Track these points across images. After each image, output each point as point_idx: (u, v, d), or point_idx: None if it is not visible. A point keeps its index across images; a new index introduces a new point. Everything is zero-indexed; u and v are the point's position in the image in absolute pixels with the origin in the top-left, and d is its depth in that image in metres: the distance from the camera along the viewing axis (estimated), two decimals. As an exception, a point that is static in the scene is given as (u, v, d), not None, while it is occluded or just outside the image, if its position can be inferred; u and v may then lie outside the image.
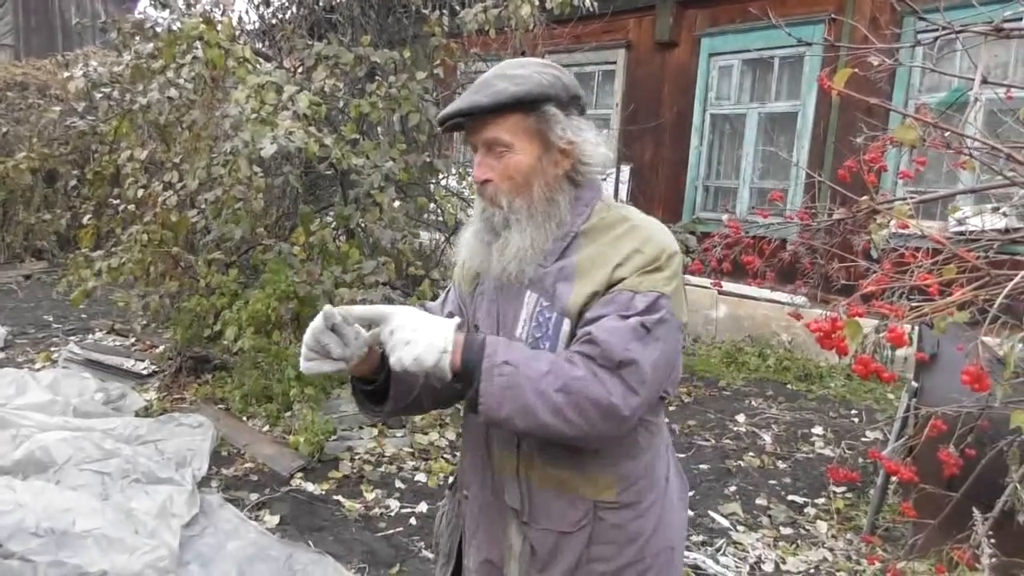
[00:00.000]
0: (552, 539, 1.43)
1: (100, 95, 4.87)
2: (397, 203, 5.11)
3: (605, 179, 1.63)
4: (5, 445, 3.72)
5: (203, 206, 4.56)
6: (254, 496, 3.78)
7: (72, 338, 6.38)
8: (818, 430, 5.04)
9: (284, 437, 4.39)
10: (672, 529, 1.51)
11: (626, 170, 8.32)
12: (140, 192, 4.79)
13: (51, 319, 7.25)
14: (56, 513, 3.10)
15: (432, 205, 5.59)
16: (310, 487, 3.92)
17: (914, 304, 1.62)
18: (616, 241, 1.39)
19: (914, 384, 3.44)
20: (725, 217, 3.61)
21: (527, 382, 1.26)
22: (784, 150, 7.07)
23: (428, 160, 5.09)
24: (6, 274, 9.04)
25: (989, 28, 1.84)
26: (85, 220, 5.28)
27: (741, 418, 5.26)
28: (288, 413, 4.57)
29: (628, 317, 1.30)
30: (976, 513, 2.26)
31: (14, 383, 4.59)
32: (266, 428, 4.54)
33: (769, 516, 3.83)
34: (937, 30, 2.06)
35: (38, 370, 5.32)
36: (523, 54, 7.46)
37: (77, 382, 4.76)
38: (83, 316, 7.23)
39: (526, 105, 1.39)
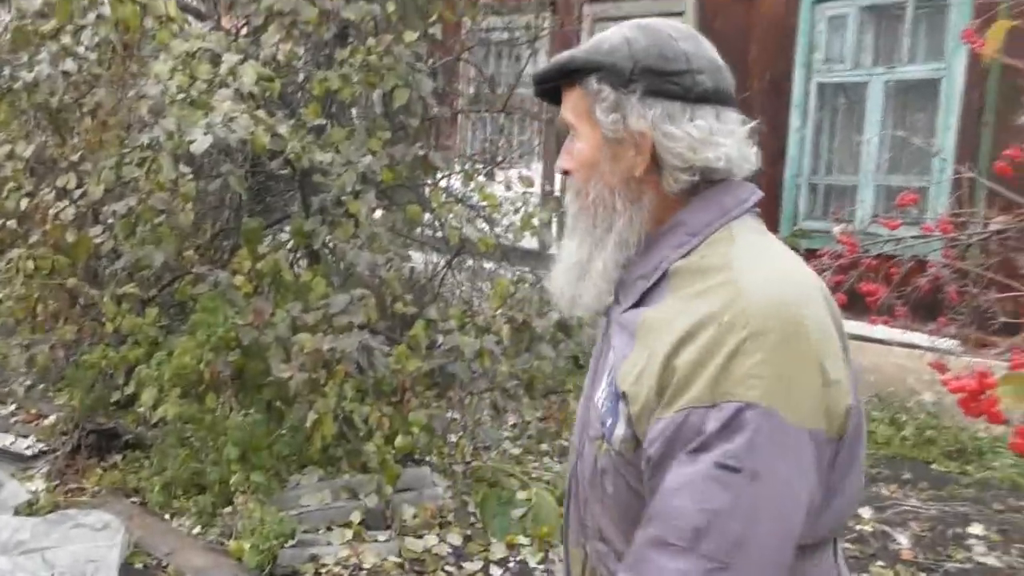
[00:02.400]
0: None
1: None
2: (379, 213, 5.17)
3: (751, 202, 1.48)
4: None
5: (111, 221, 4.64)
6: (180, 627, 3.81)
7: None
8: (977, 529, 4.99)
9: (222, 543, 4.42)
10: None
11: (699, 163, 8.36)
12: (24, 202, 4.89)
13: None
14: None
15: (427, 216, 5.65)
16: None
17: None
18: (694, 299, 1.32)
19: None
20: (836, 229, 3.58)
21: None
22: (921, 134, 7.08)
23: (422, 153, 5.15)
24: None
25: None
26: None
27: (866, 512, 5.22)
28: (228, 508, 4.60)
29: (698, 456, 1.23)
30: None
31: None
32: (197, 529, 4.57)
33: (909, 653, 3.80)
34: None
35: None
36: (552, 5, 7.59)
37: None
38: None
39: (573, 76, 1.45)
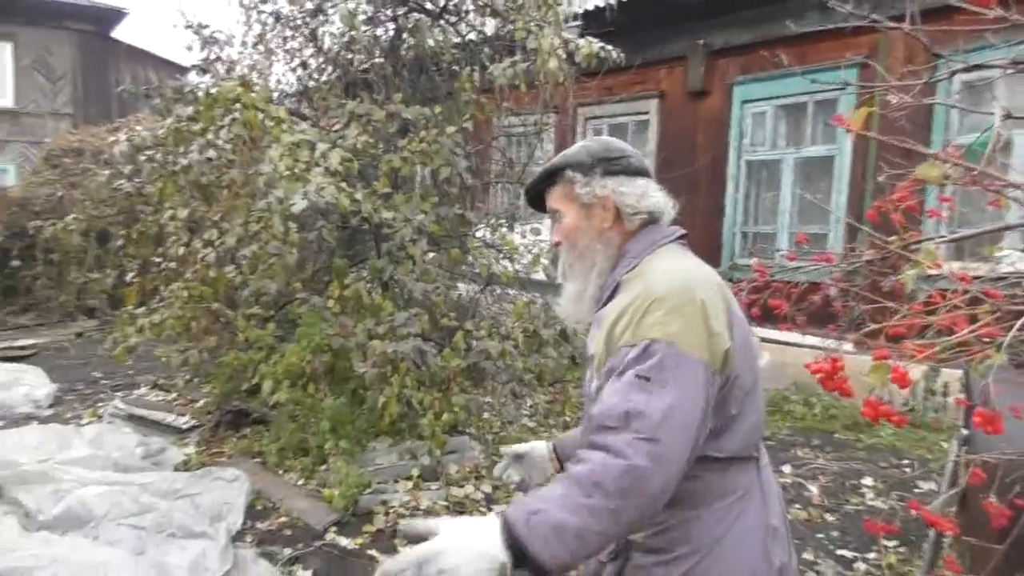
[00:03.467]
0: (594, 567, 1.57)
1: (144, 157, 5.05)
2: (430, 255, 5.16)
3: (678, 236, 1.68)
4: (46, 500, 3.78)
5: (241, 262, 4.66)
6: (287, 550, 3.77)
7: (118, 394, 6.52)
8: (868, 481, 4.86)
9: (318, 491, 4.39)
10: None
11: (663, 218, 8.30)
12: (182, 250, 4.93)
13: (100, 375, 7.43)
14: (90, 568, 3.13)
15: (469, 257, 5.64)
16: (344, 541, 3.90)
17: (943, 344, 1.57)
18: (628, 293, 1.47)
19: (963, 431, 3.31)
20: (753, 261, 3.56)
21: (559, 511, 1.21)
22: (822, 195, 7.00)
23: (460, 212, 5.15)
24: (59, 333, 9.33)
25: (1007, 63, 1.82)
26: (130, 278, 5.44)
27: (787, 469, 5.10)
28: (323, 466, 4.57)
29: (623, 374, 1.33)
30: (1030, 567, 2.13)
31: (58, 438, 4.69)
32: (301, 481, 4.55)
33: (816, 572, 3.68)
34: (958, 69, 2.05)
35: (84, 426, 5.43)
36: (555, 108, 7.59)
37: (119, 437, 4.85)
38: (130, 372, 7.40)
39: (556, 175, 1.66)
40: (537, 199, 1.73)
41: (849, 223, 2.56)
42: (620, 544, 1.49)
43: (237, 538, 3.83)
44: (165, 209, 5.17)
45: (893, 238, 2.24)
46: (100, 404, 6.30)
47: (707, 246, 7.92)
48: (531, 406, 5.94)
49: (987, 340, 1.58)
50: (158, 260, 5.24)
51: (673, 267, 1.49)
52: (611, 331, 1.43)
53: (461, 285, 6.21)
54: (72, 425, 5.36)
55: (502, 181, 6.53)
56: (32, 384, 6.62)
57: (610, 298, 1.55)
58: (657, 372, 1.30)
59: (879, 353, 1.55)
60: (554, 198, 1.67)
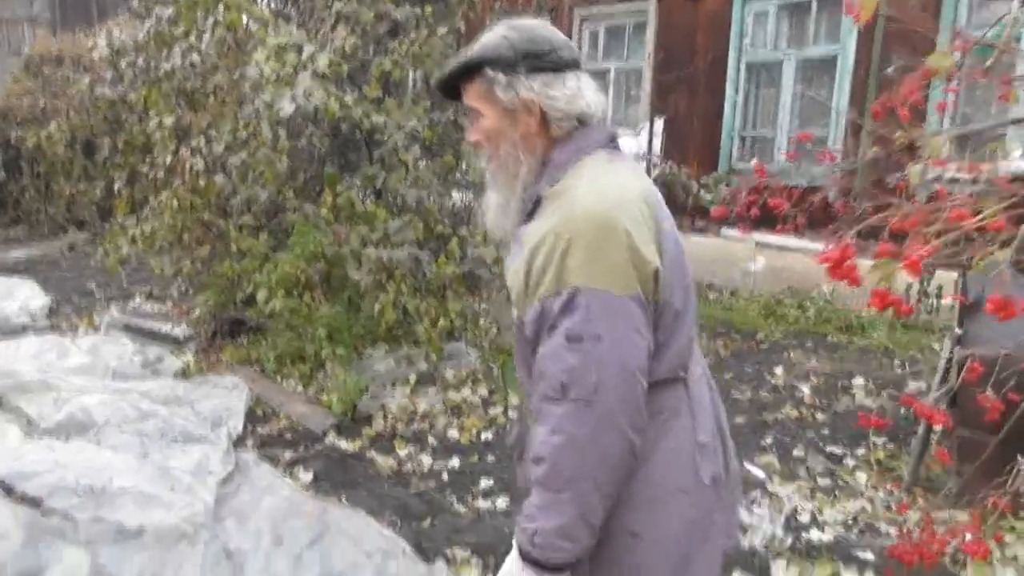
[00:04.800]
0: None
1: (125, 63, 4.89)
2: (424, 163, 5.06)
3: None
4: (47, 408, 3.82)
5: (231, 170, 4.57)
6: (288, 454, 3.84)
7: (113, 305, 6.51)
8: (859, 381, 4.93)
9: (317, 396, 4.44)
10: (638, 516, 1.39)
11: (660, 122, 8.15)
12: (170, 158, 4.83)
13: (93, 287, 7.41)
14: (95, 471, 3.18)
15: (462, 164, 5.53)
16: (343, 444, 3.97)
17: (945, 239, 1.54)
18: (549, 216, 1.36)
19: (957, 330, 3.33)
20: (754, 162, 3.53)
21: (551, 518, 1.28)
22: (824, 96, 6.84)
23: (453, 118, 5.02)
24: (51, 245, 9.26)
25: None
26: (118, 189, 5.35)
27: (779, 371, 5.17)
28: (321, 373, 4.61)
29: (553, 331, 1.30)
30: (1020, 459, 2.18)
31: (55, 348, 4.72)
32: (299, 388, 4.60)
33: (806, 467, 3.77)
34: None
35: (81, 336, 5.45)
36: (550, 8, 7.32)
37: (116, 347, 4.87)
38: (123, 283, 7.37)
39: (473, 70, 1.43)
40: (450, 88, 1.50)
41: (852, 124, 2.49)
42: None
43: (238, 443, 3.89)
44: (151, 117, 5.04)
45: (899, 133, 2.18)
46: (95, 315, 6.30)
47: (705, 150, 7.79)
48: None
49: (992, 233, 1.55)
50: (146, 169, 5.13)
51: (595, 188, 1.35)
52: (529, 267, 1.34)
53: (457, 194, 6.13)
54: (69, 336, 5.37)
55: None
56: (26, 296, 6.60)
57: (532, 213, 1.42)
58: (586, 325, 1.26)
59: (883, 249, 1.52)
60: (472, 96, 1.46)
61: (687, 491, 1.42)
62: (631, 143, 8.13)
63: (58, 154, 8.05)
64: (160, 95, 5.11)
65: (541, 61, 1.41)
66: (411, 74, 4.83)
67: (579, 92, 1.43)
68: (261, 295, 4.57)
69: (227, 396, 4.22)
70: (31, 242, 9.46)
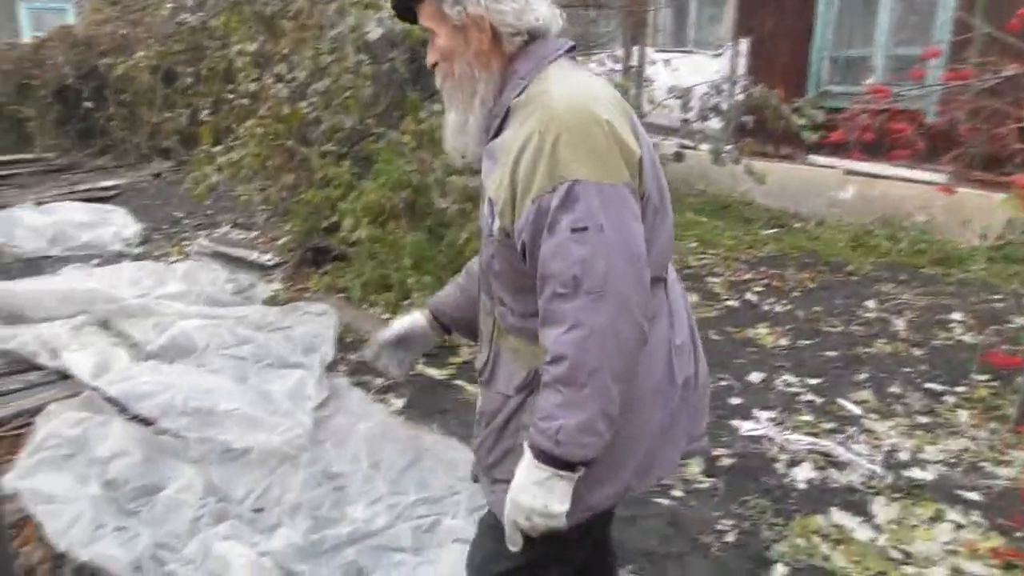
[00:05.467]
0: (499, 400, 1.50)
1: (208, -12, 4.86)
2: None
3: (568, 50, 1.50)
4: (150, 332, 3.97)
5: (313, 97, 4.54)
6: (379, 381, 3.90)
7: (201, 232, 6.68)
8: (958, 316, 4.72)
9: (404, 324, 4.48)
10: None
11: (744, 43, 7.77)
12: (252, 86, 4.84)
13: (181, 215, 7.61)
14: (200, 394, 3.30)
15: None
16: (432, 372, 4.02)
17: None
18: (524, 121, 1.34)
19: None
20: (868, 81, 3.27)
21: (573, 415, 1.28)
22: (924, 12, 6.36)
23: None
24: (137, 173, 9.52)
25: None
26: (203, 117, 5.40)
27: (871, 304, 4.99)
28: (407, 301, 4.65)
29: (554, 227, 1.28)
30: None
31: (153, 274, 4.87)
32: (386, 316, 4.65)
33: (904, 404, 3.65)
34: None
35: (173, 263, 5.62)
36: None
37: (209, 273, 5.00)
38: (209, 211, 7.54)
39: None
40: (406, 10, 1.50)
41: (981, 31, 2.27)
42: (526, 382, 1.45)
43: (330, 369, 3.98)
44: (232, 44, 5.03)
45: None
46: (184, 242, 6.48)
47: (792, 73, 7.40)
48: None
49: None
50: (229, 97, 5.16)
51: (569, 88, 1.35)
52: (515, 170, 1.32)
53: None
54: (163, 262, 5.54)
55: (574, 5, 6.11)
56: (119, 224, 6.83)
57: (501, 127, 1.42)
58: (589, 216, 1.26)
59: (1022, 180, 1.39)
60: (424, 16, 1.46)
61: (660, 391, 1.46)
62: (711, 65, 7.80)
63: (143, 82, 8.17)
64: (240, 21, 5.08)
65: None
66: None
67: (528, 5, 1.41)
68: (347, 223, 4.60)
69: (317, 323, 4.29)
70: (119, 170, 9.74)
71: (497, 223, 1.39)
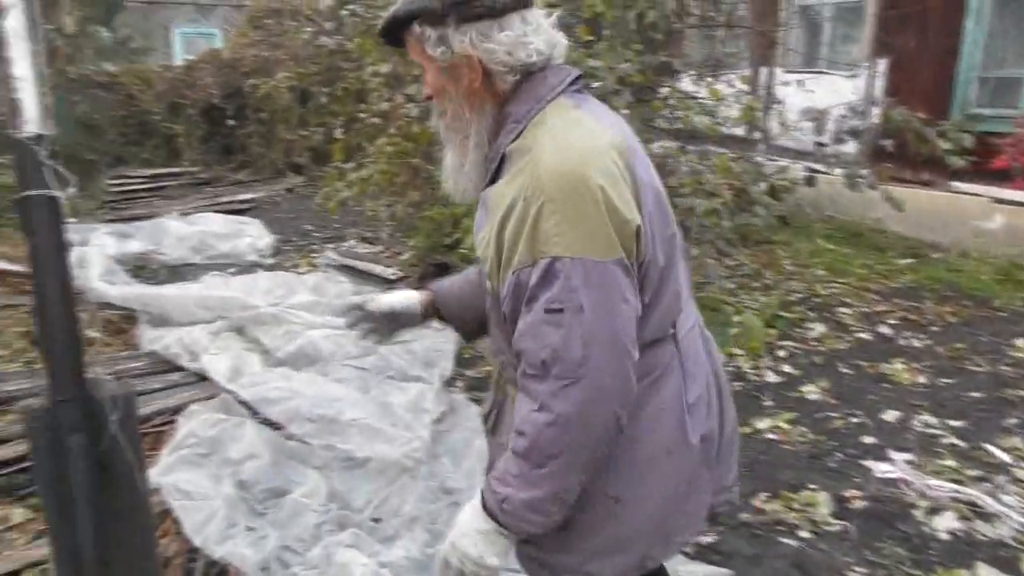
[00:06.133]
0: (502, 453, 1.38)
1: (347, 12, 5.08)
2: (627, 111, 4.90)
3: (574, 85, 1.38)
4: (280, 340, 4.14)
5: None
6: (495, 398, 3.92)
7: (329, 245, 6.95)
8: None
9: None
10: (620, 479, 1.33)
11: (883, 63, 7.41)
12: (384, 105, 5.00)
13: (311, 228, 7.95)
14: (326, 402, 3.41)
15: (666, 111, 5.31)
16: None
17: None
18: (515, 177, 1.24)
19: None
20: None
21: (524, 490, 1.24)
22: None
23: (665, 60, 4.80)
24: (272, 188, 10.03)
25: None
26: (336, 135, 5.63)
27: (1021, 342, 4.61)
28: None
29: (531, 305, 1.21)
30: None
31: (285, 285, 5.10)
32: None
33: (1062, 454, 3.34)
34: None
35: (303, 274, 5.86)
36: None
37: (336, 286, 5.19)
38: (337, 225, 7.85)
39: (402, 27, 1.32)
40: (396, 41, 1.38)
41: None
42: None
43: (448, 383, 4.03)
44: (367, 65, 5.23)
45: None
46: (313, 254, 6.75)
47: (935, 94, 6.99)
48: (733, 267, 5.70)
49: None
50: (361, 116, 5.35)
51: (560, 144, 1.22)
52: (500, 234, 1.24)
53: (656, 143, 5.92)
54: (293, 273, 5.80)
55: (706, 25, 6.00)
56: (254, 235, 7.19)
57: (498, 172, 1.31)
58: (566, 296, 1.17)
59: None
60: (411, 51, 1.35)
61: (672, 452, 1.36)
62: (846, 86, 7.48)
63: (283, 101, 8.63)
64: (374, 43, 5.27)
65: (473, 8, 1.26)
66: (623, 14, 4.63)
67: (522, 39, 1.28)
68: (469, 239, 4.66)
69: (437, 337, 4.36)
70: (255, 185, 10.31)
71: (487, 283, 1.35)
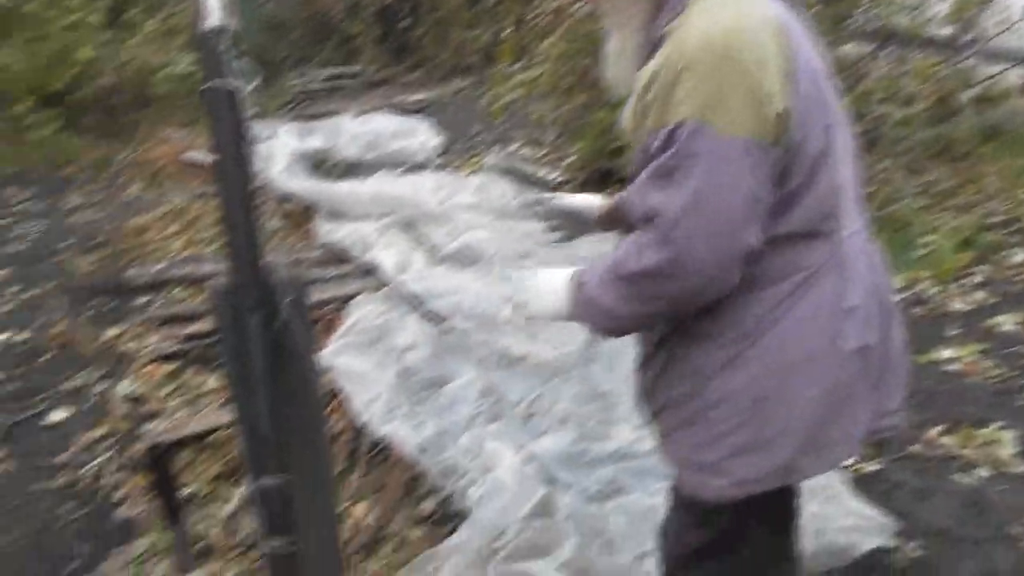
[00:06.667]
0: (645, 350, 1.46)
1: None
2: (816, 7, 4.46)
3: None
4: (445, 238, 4.27)
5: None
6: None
7: (493, 148, 7.00)
8: None
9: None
10: (761, 381, 1.29)
11: None
12: (554, 4, 4.86)
13: (477, 130, 8.03)
14: (486, 300, 3.50)
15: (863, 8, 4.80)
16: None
17: None
18: (663, 51, 1.22)
19: None
20: None
21: (596, 287, 1.30)
22: None
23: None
24: (442, 90, 10.17)
25: None
26: (504, 35, 5.56)
27: None
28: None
29: (650, 164, 1.20)
30: None
31: (450, 185, 5.22)
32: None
33: None
34: None
35: (467, 175, 5.96)
36: None
37: (499, 187, 5.24)
38: (502, 128, 7.87)
39: None
40: None
41: None
42: (661, 337, 1.37)
43: (606, 290, 4.01)
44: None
45: None
46: (478, 156, 6.83)
47: None
48: (927, 182, 5.20)
49: None
50: (531, 17, 5.24)
51: (714, 14, 1.18)
52: (639, 102, 1.25)
53: (848, 44, 5.40)
54: (459, 174, 5.91)
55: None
56: (423, 136, 7.36)
57: (652, 52, 1.26)
58: (681, 160, 1.15)
59: None
60: None
61: (818, 359, 1.29)
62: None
63: (454, 1, 8.61)
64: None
65: None
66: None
67: None
68: (634, 145, 4.53)
69: (599, 244, 4.31)
70: (426, 86, 10.49)
71: (631, 155, 1.36)
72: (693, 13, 1.22)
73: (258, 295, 1.41)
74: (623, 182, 4.73)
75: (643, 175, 1.23)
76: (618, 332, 1.37)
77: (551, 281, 1.41)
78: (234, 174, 1.40)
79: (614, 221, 1.70)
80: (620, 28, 1.36)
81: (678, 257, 1.17)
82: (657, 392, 1.42)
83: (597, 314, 1.33)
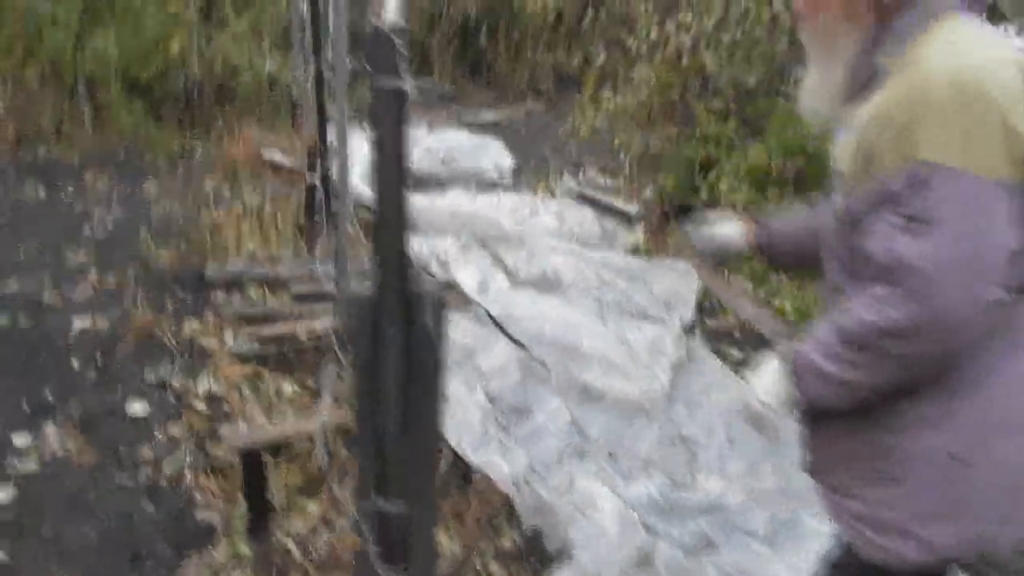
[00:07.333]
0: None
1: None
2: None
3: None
4: (524, 261, 4.20)
5: (719, 48, 4.38)
6: (736, 353, 3.74)
7: (566, 173, 6.94)
8: None
9: (768, 300, 4.23)
10: (962, 439, 1.19)
11: None
12: (654, 33, 4.80)
13: (548, 154, 7.98)
14: (566, 326, 3.42)
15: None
16: (794, 354, 3.74)
17: None
18: (893, 89, 1.14)
19: None
20: None
21: (820, 356, 1.21)
22: None
23: None
24: (514, 110, 10.18)
25: None
26: (597, 63, 5.51)
27: None
28: (773, 275, 4.38)
29: (891, 209, 1.11)
30: None
31: (528, 207, 5.16)
32: (749, 287, 4.42)
33: None
34: None
35: (542, 199, 5.89)
36: None
37: (578, 213, 5.17)
38: (575, 154, 7.81)
39: None
40: None
41: None
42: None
43: (688, 331, 3.89)
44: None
45: None
46: (549, 180, 6.76)
47: None
48: None
49: None
50: (629, 43, 5.18)
51: (956, 55, 1.11)
52: (867, 141, 1.15)
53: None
54: (534, 197, 5.85)
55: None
56: (495, 155, 7.33)
57: (867, 90, 1.20)
58: (933, 207, 1.06)
59: None
60: None
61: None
62: None
63: (537, 22, 8.61)
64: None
65: None
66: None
67: None
68: (724, 184, 4.43)
69: (678, 280, 4.21)
70: (498, 106, 10.51)
71: (841, 200, 1.25)
72: (927, 49, 1.15)
73: (400, 306, 1.35)
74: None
75: (885, 219, 1.13)
76: (848, 401, 1.24)
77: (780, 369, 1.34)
78: (393, 178, 1.33)
79: (775, 255, 1.69)
80: (826, 58, 1.29)
81: (934, 312, 1.09)
82: (837, 444, 1.32)
83: (820, 382, 1.23)
